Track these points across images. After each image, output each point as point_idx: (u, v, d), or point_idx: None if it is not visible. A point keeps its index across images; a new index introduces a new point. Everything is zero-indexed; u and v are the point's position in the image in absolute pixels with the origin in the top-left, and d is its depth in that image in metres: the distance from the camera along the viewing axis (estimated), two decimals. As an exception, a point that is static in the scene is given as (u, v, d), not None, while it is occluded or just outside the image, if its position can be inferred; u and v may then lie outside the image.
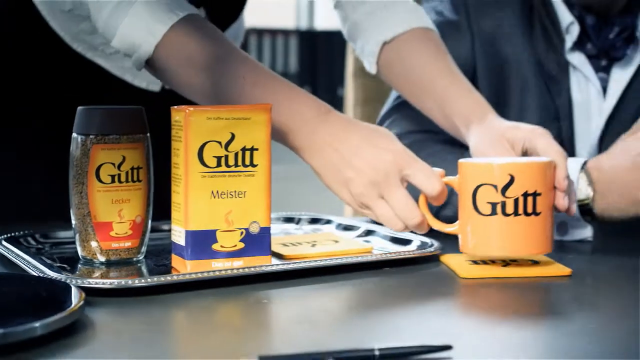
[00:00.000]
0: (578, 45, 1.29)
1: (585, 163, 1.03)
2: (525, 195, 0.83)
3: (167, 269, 0.78)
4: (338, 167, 0.86)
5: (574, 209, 0.93)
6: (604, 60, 1.31)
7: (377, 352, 0.54)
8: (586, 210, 1.01)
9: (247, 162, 0.75)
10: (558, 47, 1.30)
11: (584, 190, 1.00)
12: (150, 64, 0.89)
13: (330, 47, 3.38)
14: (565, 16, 1.30)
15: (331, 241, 0.90)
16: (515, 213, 0.82)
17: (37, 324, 0.55)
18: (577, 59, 1.29)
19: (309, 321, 0.66)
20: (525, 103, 1.30)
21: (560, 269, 0.83)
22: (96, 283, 0.70)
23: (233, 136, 0.74)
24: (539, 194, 0.84)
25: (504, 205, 0.82)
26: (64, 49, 1.13)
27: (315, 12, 3.67)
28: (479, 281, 0.79)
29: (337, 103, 3.12)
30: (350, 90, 1.79)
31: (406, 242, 0.91)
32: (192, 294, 0.71)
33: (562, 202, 0.89)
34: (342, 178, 0.86)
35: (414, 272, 0.83)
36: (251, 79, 0.87)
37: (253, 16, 3.23)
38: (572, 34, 1.29)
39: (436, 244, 0.88)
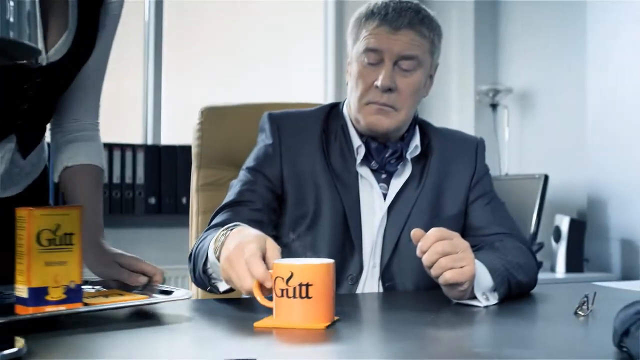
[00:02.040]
0: (365, 162, 1.69)
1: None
2: (301, 285, 1.17)
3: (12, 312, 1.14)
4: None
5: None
6: (383, 173, 1.71)
7: None
8: None
9: (67, 242, 1.14)
10: (350, 162, 1.69)
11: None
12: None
13: (174, 161, 3.49)
14: (355, 140, 1.70)
15: (119, 294, 1.31)
16: (294, 296, 1.17)
17: None
18: (364, 171, 1.69)
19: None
20: (321, 203, 1.65)
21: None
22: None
23: (58, 226, 1.13)
24: (311, 285, 1.17)
25: (287, 291, 1.18)
26: None
27: (161, 129, 3.71)
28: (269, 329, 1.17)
29: (180, 210, 3.41)
30: (194, 202, 1.98)
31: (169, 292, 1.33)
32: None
33: None
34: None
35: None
36: None
37: (103, 132, 3.43)
38: (360, 154, 1.69)
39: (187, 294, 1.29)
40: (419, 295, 1.60)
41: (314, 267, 1.19)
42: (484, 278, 1.45)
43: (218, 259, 1.33)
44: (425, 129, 1.78)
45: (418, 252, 1.38)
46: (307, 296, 1.17)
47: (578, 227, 3.18)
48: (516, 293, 1.52)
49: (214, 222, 1.62)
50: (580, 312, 1.32)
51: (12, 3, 0.88)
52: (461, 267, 1.37)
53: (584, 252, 3.19)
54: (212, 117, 1.98)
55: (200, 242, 1.51)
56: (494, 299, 1.45)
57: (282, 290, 1.18)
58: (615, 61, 3.19)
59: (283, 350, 1.08)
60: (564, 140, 3.48)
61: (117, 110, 3.62)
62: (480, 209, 1.73)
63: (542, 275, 3.06)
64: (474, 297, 1.43)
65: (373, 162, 1.70)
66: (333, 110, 1.77)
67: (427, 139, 1.76)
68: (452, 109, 3.94)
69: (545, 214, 3.25)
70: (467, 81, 3.86)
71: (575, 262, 3.14)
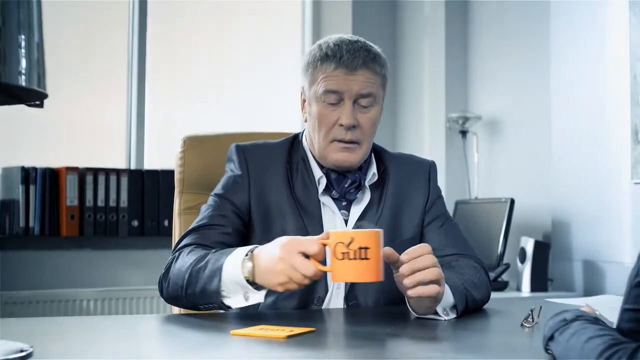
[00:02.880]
0: (326, 191, 1.82)
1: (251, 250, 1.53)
2: (360, 248, 1.39)
3: None
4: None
5: None
6: (344, 201, 1.83)
7: None
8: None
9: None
10: (313, 191, 1.81)
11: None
12: None
13: (157, 185, 3.58)
14: (316, 172, 1.82)
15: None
16: (356, 257, 1.39)
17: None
18: (326, 200, 1.81)
19: None
20: (287, 230, 1.74)
21: (302, 329, 1.34)
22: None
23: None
24: (368, 248, 1.39)
25: (349, 254, 1.39)
26: None
27: (144, 154, 3.81)
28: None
29: (162, 232, 3.54)
30: (176, 225, 2.07)
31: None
32: None
33: None
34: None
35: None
36: None
37: (88, 157, 3.58)
38: (322, 184, 1.81)
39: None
40: (381, 310, 1.75)
41: (370, 233, 1.42)
42: (447, 295, 1.58)
43: (249, 280, 1.50)
44: (381, 155, 1.91)
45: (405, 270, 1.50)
46: (366, 257, 1.40)
47: (543, 248, 3.33)
48: (472, 308, 1.66)
49: (183, 242, 1.72)
50: (525, 324, 1.47)
51: (23, 51, 1.02)
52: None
53: (549, 272, 3.34)
54: (194, 145, 2.10)
55: (191, 265, 1.59)
56: (452, 314, 1.59)
57: (344, 253, 1.40)
58: (577, 91, 3.36)
59: (259, 351, 1.22)
60: (530, 166, 3.65)
61: (101, 137, 3.81)
62: (435, 231, 1.85)
63: (508, 295, 3.25)
64: (435, 312, 1.57)
65: (334, 192, 1.82)
66: (295, 142, 1.88)
67: (383, 165, 1.88)
68: (425, 135, 4.10)
69: (511, 236, 3.40)
70: (439, 109, 4.02)
71: (539, 282, 3.29)
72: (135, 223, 3.58)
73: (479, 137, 3.89)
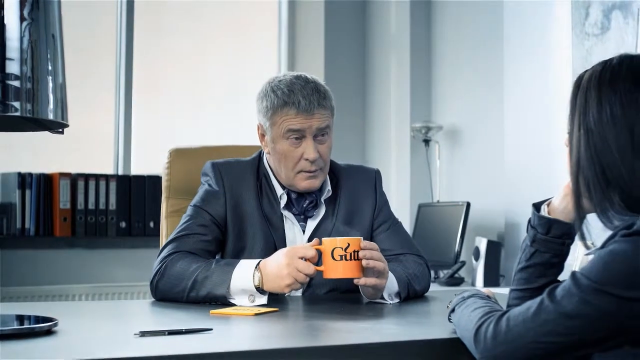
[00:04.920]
0: (287, 207, 2.08)
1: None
2: (354, 251, 1.74)
3: None
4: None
5: None
6: (302, 216, 2.09)
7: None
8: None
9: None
10: (275, 206, 2.07)
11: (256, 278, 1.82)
12: None
13: (143, 189, 3.79)
14: (278, 190, 2.08)
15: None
16: (351, 259, 1.74)
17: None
18: (287, 214, 2.07)
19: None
20: (256, 239, 2.04)
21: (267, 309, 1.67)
22: None
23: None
24: (359, 251, 1.74)
25: (346, 256, 1.73)
26: None
27: (131, 161, 3.99)
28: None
29: (148, 233, 3.80)
30: (163, 227, 2.29)
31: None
32: None
33: None
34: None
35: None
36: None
37: (80, 164, 3.79)
38: (283, 200, 2.07)
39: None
40: (338, 296, 2.07)
41: (359, 240, 1.81)
42: (392, 284, 1.91)
43: (259, 288, 1.81)
44: (333, 168, 2.15)
45: (365, 253, 1.82)
46: (357, 258, 1.77)
47: (495, 247, 3.66)
48: (413, 295, 1.99)
49: (168, 249, 1.96)
50: (449, 305, 1.80)
51: (51, 92, 1.33)
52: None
53: (500, 269, 3.67)
54: (179, 156, 2.38)
55: (193, 272, 1.88)
56: (396, 300, 1.92)
57: (342, 256, 1.75)
58: (528, 103, 3.70)
59: (235, 323, 1.55)
60: (485, 171, 3.98)
61: (91, 144, 4.01)
62: (384, 234, 2.13)
63: (463, 289, 3.56)
64: (382, 297, 1.90)
65: (294, 209, 2.09)
66: (260, 160, 2.13)
67: (336, 178, 2.14)
68: (392, 143, 4.42)
69: (467, 236, 3.74)
70: (404, 119, 4.34)
71: (492, 278, 3.62)
72: (123, 224, 3.78)
73: (441, 145, 4.22)
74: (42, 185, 3.61)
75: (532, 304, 1.24)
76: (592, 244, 1.30)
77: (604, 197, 1.24)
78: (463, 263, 3.67)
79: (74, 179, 3.68)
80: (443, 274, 3.73)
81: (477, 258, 3.66)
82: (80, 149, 3.95)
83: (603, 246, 1.20)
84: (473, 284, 3.66)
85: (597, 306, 1.16)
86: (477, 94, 4.07)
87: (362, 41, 4.59)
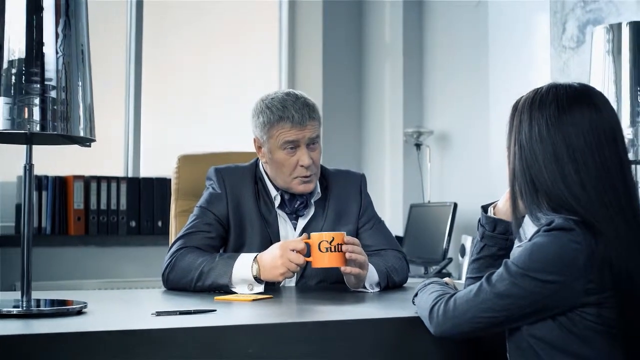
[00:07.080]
0: (280, 207, 2.30)
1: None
2: (338, 244, 1.96)
3: None
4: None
5: None
6: (294, 215, 2.32)
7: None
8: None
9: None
10: (270, 207, 2.30)
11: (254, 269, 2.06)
12: None
13: (152, 190, 3.91)
14: (272, 191, 2.31)
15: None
16: (335, 250, 1.97)
17: None
18: (281, 213, 2.30)
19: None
20: (254, 235, 2.27)
21: (264, 296, 1.92)
22: None
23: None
24: (342, 244, 1.97)
25: (330, 248, 1.96)
26: None
27: (141, 164, 4.13)
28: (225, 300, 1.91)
29: (157, 232, 4.00)
30: (172, 225, 2.51)
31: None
32: None
33: None
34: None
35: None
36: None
37: (92, 167, 3.96)
38: (277, 201, 2.30)
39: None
40: (326, 286, 2.34)
41: (343, 234, 2.04)
42: (373, 275, 2.17)
43: (257, 278, 2.04)
44: (323, 173, 2.36)
45: (347, 247, 2.06)
46: (341, 250, 2.01)
47: (480, 245, 3.90)
48: (392, 286, 2.24)
49: (178, 244, 2.20)
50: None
51: (81, 112, 1.59)
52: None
53: (485, 265, 3.91)
54: (186, 162, 2.61)
55: (200, 264, 2.11)
56: (377, 289, 2.18)
57: (327, 248, 1.99)
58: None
59: (235, 306, 1.81)
60: (472, 174, 4.22)
61: (102, 148, 3.92)
62: (368, 232, 2.36)
63: (451, 284, 3.81)
64: (364, 287, 2.16)
65: (287, 209, 2.31)
66: (257, 166, 2.34)
67: (326, 181, 2.36)
68: (386, 147, 4.66)
69: (454, 234, 3.98)
70: (397, 125, 4.57)
71: (477, 273, 3.87)
72: (133, 223, 3.93)
73: (431, 149, 4.46)
74: (57, 187, 3.75)
75: (473, 287, 1.51)
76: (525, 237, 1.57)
77: (533, 201, 1.51)
78: (450, 260, 3.92)
79: (87, 181, 3.82)
80: (432, 269, 3.97)
81: (462, 255, 3.91)
82: (92, 153, 4.06)
83: (530, 239, 1.47)
84: (459, 279, 3.90)
85: (523, 288, 1.43)
86: (465, 102, 4.32)
87: (358, 51, 4.81)
